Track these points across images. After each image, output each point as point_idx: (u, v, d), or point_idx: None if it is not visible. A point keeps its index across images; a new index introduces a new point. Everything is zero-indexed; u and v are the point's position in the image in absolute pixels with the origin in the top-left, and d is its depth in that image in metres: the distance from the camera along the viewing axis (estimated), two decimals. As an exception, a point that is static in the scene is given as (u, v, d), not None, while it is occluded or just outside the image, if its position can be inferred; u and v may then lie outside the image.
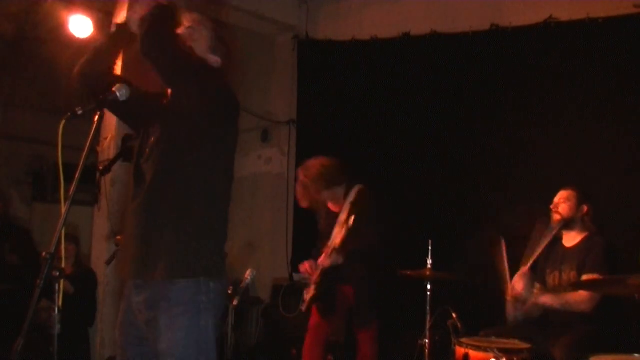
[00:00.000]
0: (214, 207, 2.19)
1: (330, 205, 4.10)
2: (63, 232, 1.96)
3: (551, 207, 3.72)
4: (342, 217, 3.90)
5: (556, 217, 3.69)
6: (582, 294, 3.41)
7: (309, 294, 4.02)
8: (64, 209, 1.95)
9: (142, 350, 2.17)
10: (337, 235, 3.82)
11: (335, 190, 4.00)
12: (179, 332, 2.06)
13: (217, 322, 2.17)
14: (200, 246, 2.12)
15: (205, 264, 2.12)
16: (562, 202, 3.69)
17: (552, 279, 3.66)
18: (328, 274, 3.94)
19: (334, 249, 3.84)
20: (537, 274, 3.81)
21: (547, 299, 3.55)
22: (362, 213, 3.76)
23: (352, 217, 3.69)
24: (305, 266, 4.05)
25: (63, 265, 2.60)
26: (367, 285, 3.92)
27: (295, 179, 4.00)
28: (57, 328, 2.00)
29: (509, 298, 3.67)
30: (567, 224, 3.67)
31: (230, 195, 2.28)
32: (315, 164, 3.99)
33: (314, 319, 4.06)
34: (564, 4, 4.83)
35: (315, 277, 4.01)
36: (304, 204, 4.04)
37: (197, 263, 2.10)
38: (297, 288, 4.51)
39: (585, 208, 3.67)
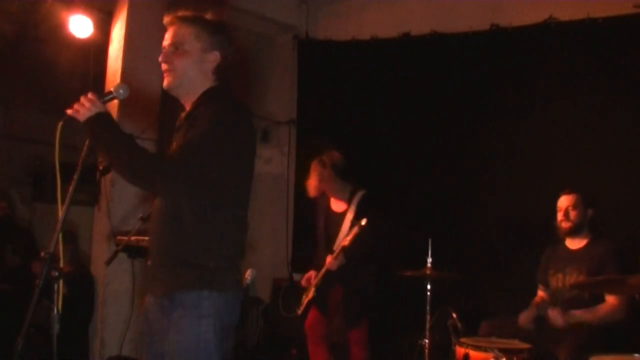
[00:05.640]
0: (224, 227, 2.13)
1: (333, 203, 4.15)
2: (60, 234, 1.95)
3: (561, 215, 3.63)
4: (349, 217, 3.93)
5: (567, 224, 3.61)
6: (613, 304, 3.35)
7: (307, 297, 4.12)
8: (61, 209, 1.94)
9: None
10: (346, 237, 3.86)
11: (344, 185, 4.09)
12: (179, 334, 2.06)
13: (230, 329, 2.14)
14: (206, 262, 2.08)
15: (209, 279, 2.08)
16: (571, 209, 3.60)
17: (555, 280, 3.64)
18: (330, 276, 4.00)
19: (342, 250, 3.88)
20: (538, 276, 3.80)
21: (581, 315, 3.39)
22: (371, 216, 3.82)
23: (365, 219, 3.72)
24: (308, 278, 4.18)
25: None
26: (357, 286, 3.99)
27: (311, 167, 4.08)
28: (56, 328, 2.00)
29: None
30: (576, 229, 3.60)
31: (246, 215, 2.23)
32: (337, 153, 4.13)
33: (309, 320, 4.15)
34: (564, 4, 4.83)
35: (317, 280, 4.06)
36: (313, 192, 4.09)
37: (200, 277, 2.07)
38: (297, 288, 4.51)
39: (590, 212, 3.60)
